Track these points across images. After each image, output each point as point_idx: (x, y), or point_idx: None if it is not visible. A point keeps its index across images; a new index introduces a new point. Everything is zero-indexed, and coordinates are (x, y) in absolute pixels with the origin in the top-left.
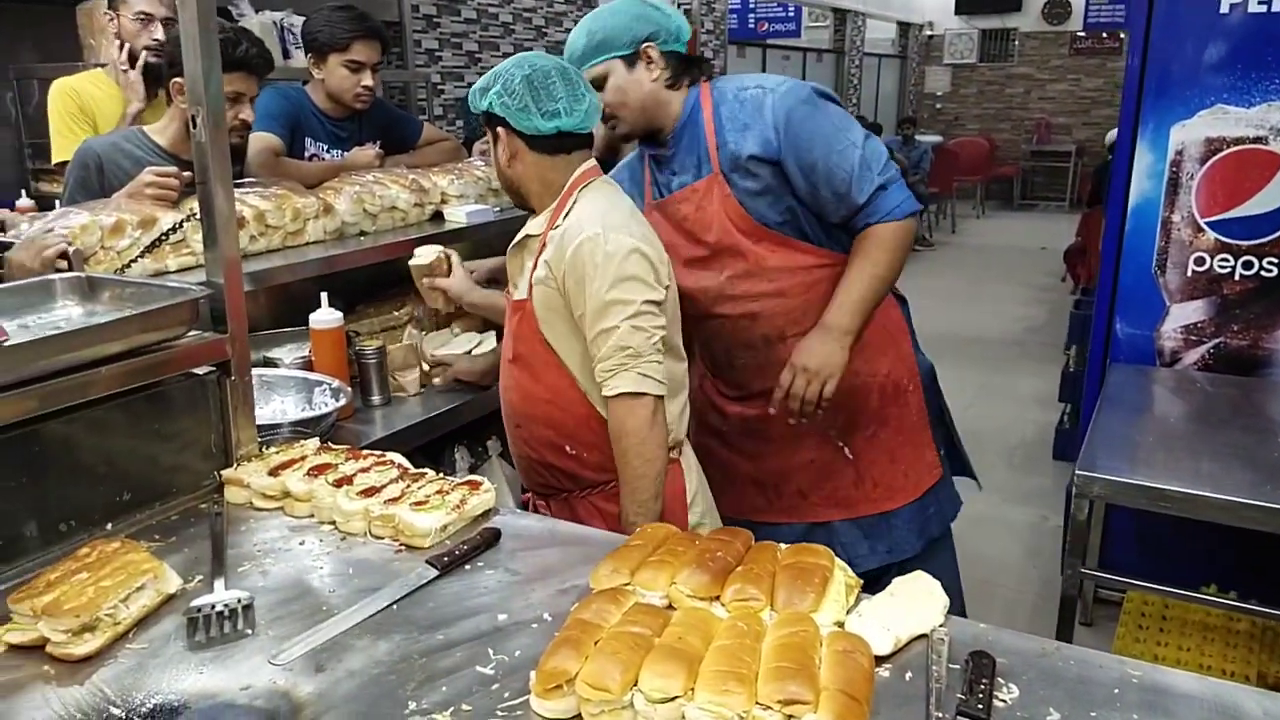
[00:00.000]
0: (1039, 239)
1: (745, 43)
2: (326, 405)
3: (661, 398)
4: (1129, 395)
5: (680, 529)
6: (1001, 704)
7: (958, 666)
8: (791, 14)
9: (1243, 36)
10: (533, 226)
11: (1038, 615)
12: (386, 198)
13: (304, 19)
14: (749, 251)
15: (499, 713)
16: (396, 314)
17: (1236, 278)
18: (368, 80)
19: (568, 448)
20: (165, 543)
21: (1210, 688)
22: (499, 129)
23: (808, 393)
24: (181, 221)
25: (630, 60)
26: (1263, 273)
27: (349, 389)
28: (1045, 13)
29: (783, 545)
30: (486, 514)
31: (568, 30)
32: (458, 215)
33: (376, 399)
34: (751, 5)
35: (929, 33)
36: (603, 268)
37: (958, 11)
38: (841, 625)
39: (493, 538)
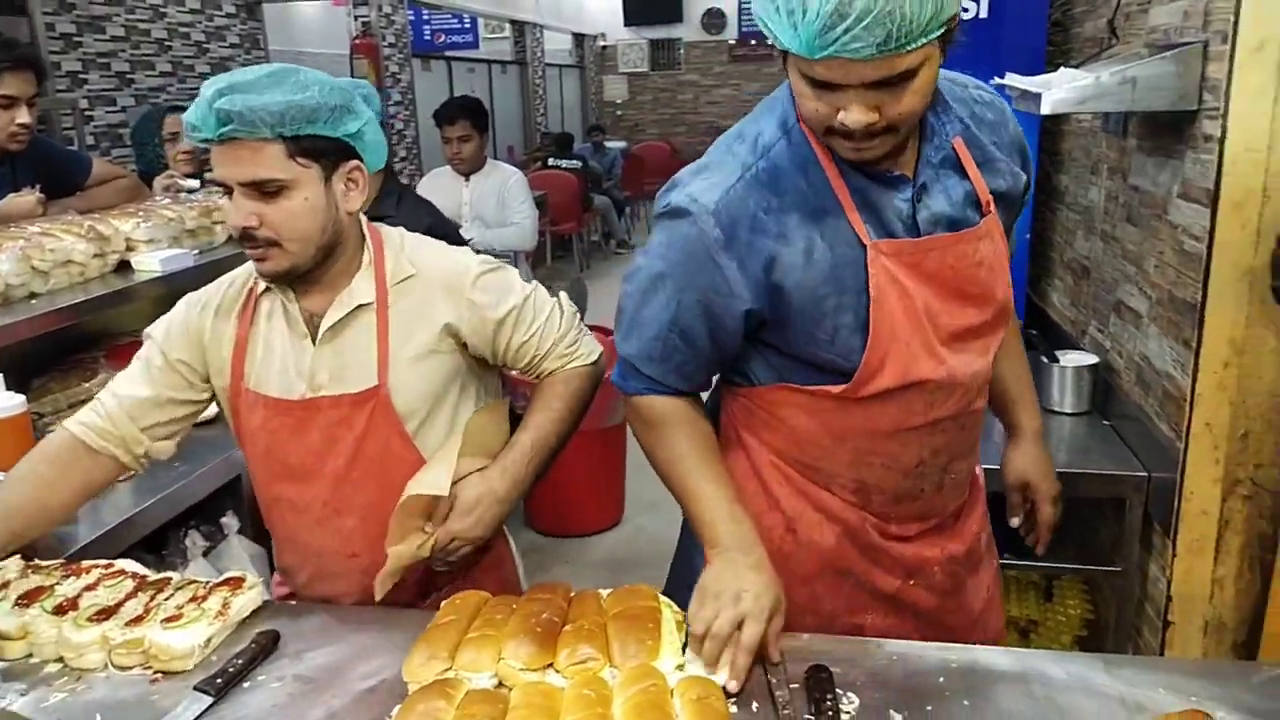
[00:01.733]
0: None
1: (428, 55)
2: None
3: None
4: None
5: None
6: (848, 716)
7: (797, 685)
8: (468, 25)
9: None
10: (359, 293)
11: None
12: (60, 250)
13: None
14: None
15: None
16: (86, 385)
17: None
18: (23, 117)
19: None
20: None
21: (1018, 659)
22: (355, 161)
23: (1056, 516)
24: None
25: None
26: None
27: None
28: (704, 23)
29: (603, 591)
30: (256, 613)
31: (232, 45)
32: (150, 263)
33: None
34: (426, 17)
35: (602, 43)
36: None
37: (627, 23)
38: (682, 667)
39: (270, 642)
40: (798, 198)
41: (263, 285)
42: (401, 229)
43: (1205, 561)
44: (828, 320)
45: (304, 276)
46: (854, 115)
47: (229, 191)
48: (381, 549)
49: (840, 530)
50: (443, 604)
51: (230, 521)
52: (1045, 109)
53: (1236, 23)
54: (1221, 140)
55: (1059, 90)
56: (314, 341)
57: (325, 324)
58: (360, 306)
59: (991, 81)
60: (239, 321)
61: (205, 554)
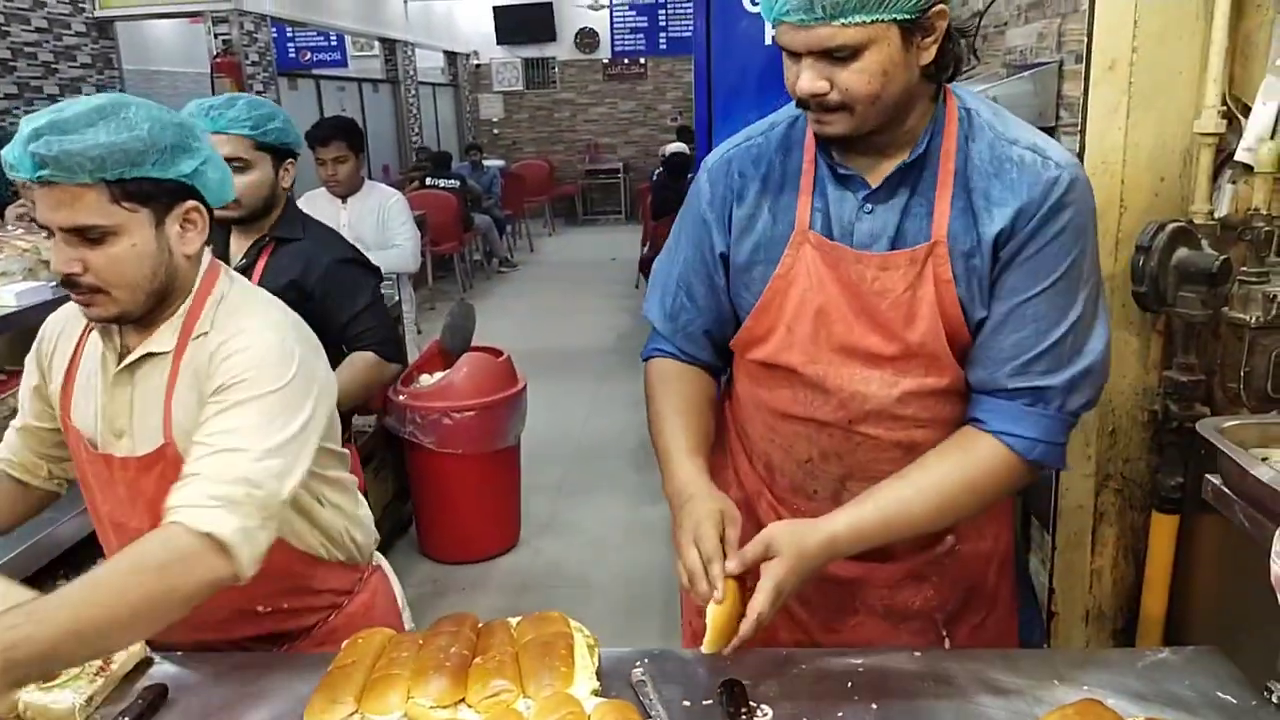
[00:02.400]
0: (607, 251)
1: (295, 73)
2: None
3: None
4: None
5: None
6: None
7: (710, 701)
8: (335, 43)
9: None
10: (157, 340)
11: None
12: None
13: None
14: (949, 368)
15: None
16: None
17: None
18: None
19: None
20: None
21: (923, 661)
22: (191, 202)
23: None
24: None
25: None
26: None
27: None
28: (577, 42)
29: (512, 620)
30: (139, 667)
31: (84, 65)
32: (5, 298)
33: None
34: (290, 34)
35: (476, 62)
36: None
37: (499, 41)
38: (598, 692)
39: (158, 697)
40: (768, 171)
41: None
42: (244, 283)
43: (1083, 554)
44: (755, 285)
45: (136, 320)
46: (803, 82)
47: (51, 234)
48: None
49: (741, 497)
50: (343, 645)
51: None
52: None
53: (1090, 44)
54: (1080, 154)
55: None
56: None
57: (116, 367)
58: (151, 355)
59: None
60: (74, 349)
61: None
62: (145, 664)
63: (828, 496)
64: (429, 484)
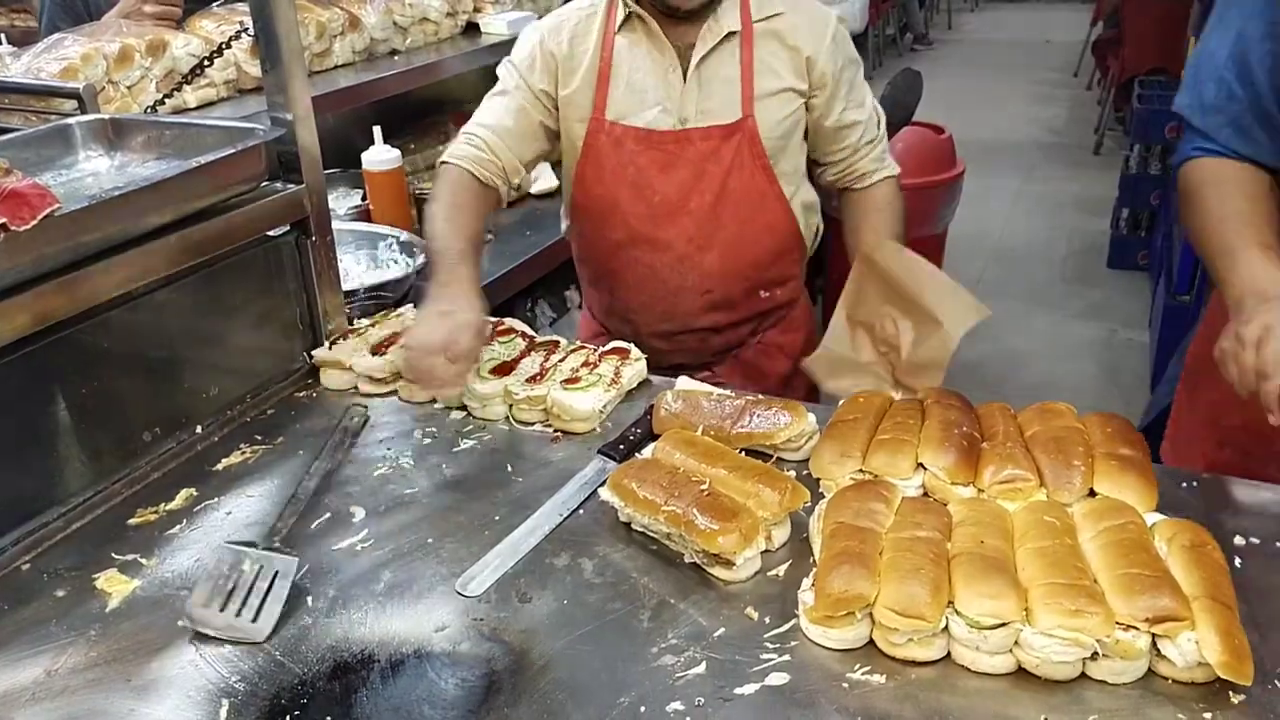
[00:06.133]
0: (1039, 31)
1: None
2: (400, 263)
3: None
4: None
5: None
6: None
7: None
8: None
9: None
10: (726, 20)
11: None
12: (418, 6)
13: None
14: None
15: (767, 644)
16: (440, 147)
17: None
18: None
19: (762, 292)
20: (273, 445)
21: None
22: None
23: None
24: (223, 46)
25: None
26: None
27: (421, 240)
28: None
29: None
30: (641, 385)
31: None
32: (497, 26)
33: None
34: None
35: None
36: (849, 48)
37: None
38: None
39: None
40: None
41: (620, 15)
42: None
43: None
44: None
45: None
46: None
47: None
48: (732, 286)
49: None
50: (841, 402)
51: (573, 295)
52: None
53: None
54: None
55: None
56: (684, 75)
57: (696, 55)
58: (729, 36)
59: None
60: (598, 52)
61: (551, 324)
62: (646, 384)
63: None
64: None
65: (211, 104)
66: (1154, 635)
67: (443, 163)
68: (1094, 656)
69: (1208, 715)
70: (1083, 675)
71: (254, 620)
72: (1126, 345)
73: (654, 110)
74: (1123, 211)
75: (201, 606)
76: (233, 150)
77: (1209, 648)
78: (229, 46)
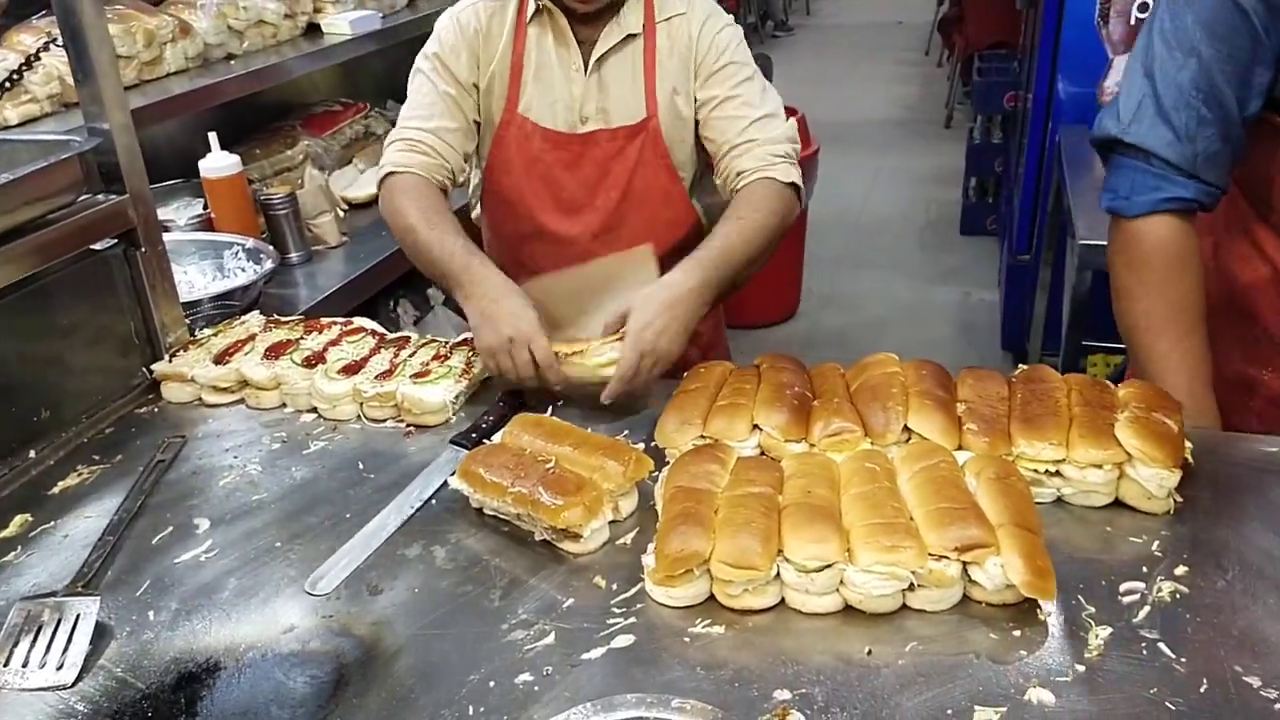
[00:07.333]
0: (892, 13)
1: None
2: (247, 270)
3: None
4: (1090, 158)
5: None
6: None
7: None
8: None
9: None
10: (629, 21)
11: None
12: (252, 9)
13: None
14: None
15: (614, 610)
16: (289, 153)
17: None
18: None
19: None
20: (112, 464)
21: None
22: None
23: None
24: (31, 58)
25: None
26: None
27: (269, 247)
28: None
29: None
30: (489, 378)
31: None
32: (339, 26)
33: (295, 256)
34: None
35: None
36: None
37: None
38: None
39: (519, 403)
40: None
41: (531, 7)
42: None
43: None
44: None
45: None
46: None
47: None
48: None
49: None
50: (685, 373)
51: (435, 293)
52: None
53: None
54: None
55: None
56: (585, 71)
57: (596, 53)
58: (629, 37)
59: None
60: (511, 42)
61: (415, 323)
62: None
63: None
64: None
65: (35, 119)
66: (964, 563)
67: (390, 173)
68: (912, 587)
69: (1017, 632)
70: (904, 607)
71: (59, 670)
72: (979, 305)
73: (558, 106)
74: (970, 180)
75: (2, 668)
76: (46, 163)
77: (1013, 570)
78: (38, 59)
